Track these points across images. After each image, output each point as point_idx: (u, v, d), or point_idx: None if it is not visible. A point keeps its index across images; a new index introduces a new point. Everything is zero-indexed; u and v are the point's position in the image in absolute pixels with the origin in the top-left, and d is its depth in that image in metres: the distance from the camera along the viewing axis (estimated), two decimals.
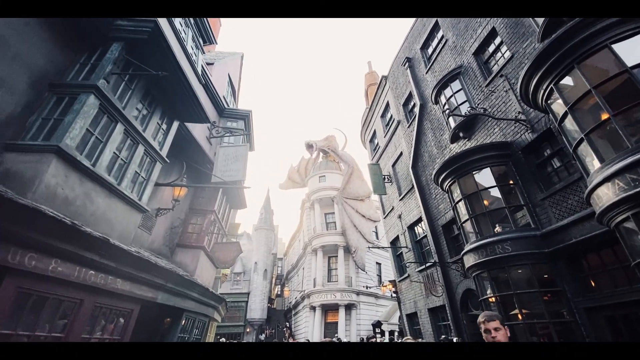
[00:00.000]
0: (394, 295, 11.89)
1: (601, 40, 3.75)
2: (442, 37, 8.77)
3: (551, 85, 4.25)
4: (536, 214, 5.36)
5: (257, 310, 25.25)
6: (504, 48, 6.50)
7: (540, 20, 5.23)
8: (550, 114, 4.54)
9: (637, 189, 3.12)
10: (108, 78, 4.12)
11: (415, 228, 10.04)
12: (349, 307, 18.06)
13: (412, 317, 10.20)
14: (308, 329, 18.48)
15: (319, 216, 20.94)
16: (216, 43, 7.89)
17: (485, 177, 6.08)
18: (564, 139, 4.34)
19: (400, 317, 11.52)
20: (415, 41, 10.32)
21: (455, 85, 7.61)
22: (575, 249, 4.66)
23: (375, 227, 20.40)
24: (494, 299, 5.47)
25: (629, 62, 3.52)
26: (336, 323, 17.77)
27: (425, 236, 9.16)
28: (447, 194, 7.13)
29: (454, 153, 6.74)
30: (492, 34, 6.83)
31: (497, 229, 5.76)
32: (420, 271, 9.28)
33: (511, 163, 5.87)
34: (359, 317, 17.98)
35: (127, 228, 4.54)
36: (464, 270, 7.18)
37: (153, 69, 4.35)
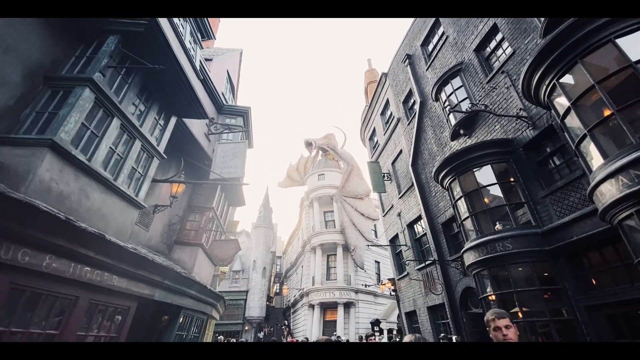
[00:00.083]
0: (392, 293, 11.87)
1: (605, 35, 3.70)
2: (443, 33, 8.70)
3: (554, 80, 4.20)
4: (537, 211, 5.33)
5: (255, 308, 25.23)
6: (505, 44, 6.44)
7: None
8: (553, 110, 4.49)
9: None
10: (104, 71, 4.05)
11: (415, 226, 10.00)
12: (348, 306, 18.06)
13: (411, 316, 10.18)
14: (307, 327, 18.47)
15: (318, 214, 20.90)
16: (214, 38, 7.80)
17: (485, 175, 6.03)
18: (567, 136, 4.30)
19: (399, 316, 11.51)
20: (416, 38, 10.25)
21: (456, 82, 7.55)
22: (576, 247, 4.62)
23: (374, 225, 20.38)
24: (494, 297, 5.44)
25: (633, 57, 3.47)
26: (335, 321, 17.77)
27: (425, 234, 9.12)
28: (447, 192, 7.09)
29: (455, 150, 6.69)
30: (494, 30, 6.77)
31: (498, 226, 5.72)
32: (419, 269, 9.26)
33: (512, 160, 5.83)
34: (358, 315, 17.98)
35: (124, 224, 4.48)
36: (463, 268, 7.16)
37: (150, 63, 4.28)
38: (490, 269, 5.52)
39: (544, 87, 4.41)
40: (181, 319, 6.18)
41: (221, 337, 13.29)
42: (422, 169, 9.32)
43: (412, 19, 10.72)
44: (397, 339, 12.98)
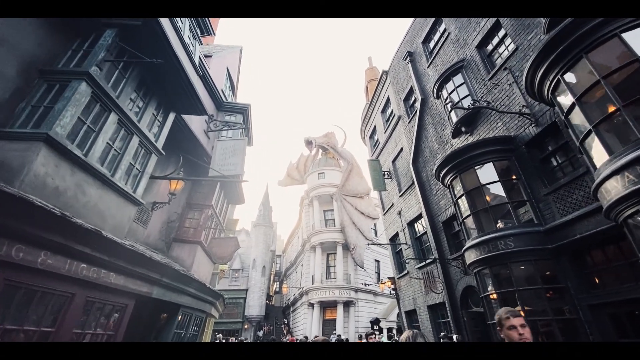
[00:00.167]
0: (392, 292, 11.83)
1: (610, 29, 3.64)
2: (445, 30, 8.62)
3: (558, 76, 4.14)
4: (539, 209, 5.27)
5: (255, 306, 25.21)
6: (508, 40, 6.37)
7: None
8: (557, 107, 4.42)
9: None
10: (101, 65, 3.99)
11: (415, 225, 9.95)
12: (348, 304, 18.03)
13: (411, 314, 10.14)
14: (306, 325, 18.44)
15: (317, 213, 20.85)
16: (214, 34, 7.73)
17: (487, 172, 5.97)
18: (571, 132, 4.23)
19: (399, 314, 11.47)
20: (417, 35, 10.17)
21: (458, 79, 7.48)
22: (579, 245, 4.57)
23: (374, 224, 20.34)
24: (495, 295, 5.39)
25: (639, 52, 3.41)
26: (334, 320, 17.74)
27: (425, 233, 9.07)
28: (448, 190, 7.03)
29: (456, 148, 6.62)
30: (496, 26, 6.70)
31: (499, 224, 5.67)
32: (419, 268, 9.21)
33: (514, 158, 5.77)
34: (357, 314, 17.95)
35: (121, 221, 4.42)
36: (464, 266, 7.11)
37: (148, 58, 4.21)
38: (491, 268, 5.46)
39: (548, 82, 4.34)
40: (180, 317, 6.13)
41: (220, 336, 13.24)
42: (422, 167, 9.26)
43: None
44: (397, 338, 12.95)
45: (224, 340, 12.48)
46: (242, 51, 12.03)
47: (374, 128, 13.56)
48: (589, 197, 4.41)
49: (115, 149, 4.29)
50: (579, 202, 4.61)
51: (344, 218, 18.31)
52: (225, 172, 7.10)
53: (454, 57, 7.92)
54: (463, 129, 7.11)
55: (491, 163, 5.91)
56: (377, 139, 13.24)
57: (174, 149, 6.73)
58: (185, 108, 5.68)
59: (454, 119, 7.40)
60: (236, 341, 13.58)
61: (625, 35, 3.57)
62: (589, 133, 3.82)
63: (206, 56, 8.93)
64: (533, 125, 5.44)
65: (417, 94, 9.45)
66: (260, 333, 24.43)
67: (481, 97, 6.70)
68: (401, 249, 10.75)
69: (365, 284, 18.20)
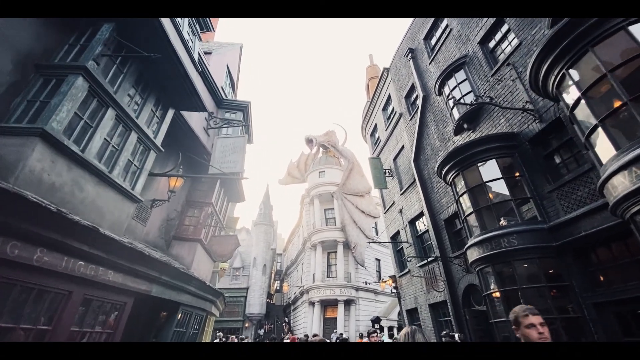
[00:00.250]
0: (393, 290, 11.78)
1: (617, 22, 3.55)
2: (447, 26, 8.53)
3: (563, 70, 4.06)
4: (543, 206, 5.20)
5: (256, 305, 25.21)
6: (511, 35, 6.28)
7: None
8: (562, 102, 4.35)
9: None
10: (98, 60, 3.93)
11: (417, 223, 9.88)
12: (348, 303, 17.99)
13: (413, 313, 10.08)
14: (307, 324, 18.42)
15: (318, 212, 20.80)
16: (214, 30, 7.65)
17: (490, 170, 5.89)
18: (576, 128, 4.16)
19: (400, 313, 11.42)
20: (419, 31, 10.07)
21: (460, 75, 7.40)
22: (584, 243, 4.49)
23: (375, 223, 20.29)
24: (498, 294, 5.32)
25: None
26: (335, 319, 17.71)
27: (427, 231, 9.01)
28: (450, 187, 6.96)
29: (458, 145, 6.55)
30: (499, 21, 6.61)
31: (502, 222, 5.60)
32: (421, 266, 9.14)
33: (517, 154, 5.69)
34: (358, 312, 17.92)
35: (120, 218, 4.37)
36: (466, 265, 7.04)
37: (146, 52, 4.15)
38: (494, 266, 5.40)
39: (553, 77, 4.26)
40: (180, 315, 6.09)
41: (220, 334, 13.21)
42: (424, 165, 9.18)
43: None
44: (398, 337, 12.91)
45: (224, 339, 12.45)
46: (242, 49, 11.95)
47: (375, 126, 13.48)
48: (595, 194, 4.34)
49: (113, 145, 4.24)
50: (584, 199, 4.53)
51: (344, 216, 18.25)
52: (225, 170, 7.04)
53: (456, 53, 7.83)
54: (465, 126, 7.03)
55: (494, 160, 5.83)
56: (378, 137, 13.17)
57: (174, 146, 6.68)
58: (185, 104, 5.61)
59: (456, 115, 7.32)
60: (237, 339, 13.56)
61: (632, 28, 3.49)
62: (595, 128, 3.74)
63: (206, 53, 8.87)
64: (537, 121, 5.36)
65: (419, 91, 9.36)
66: (261, 331, 24.42)
67: (484, 94, 6.62)
68: (402, 247, 10.69)
69: (366, 283, 18.16)
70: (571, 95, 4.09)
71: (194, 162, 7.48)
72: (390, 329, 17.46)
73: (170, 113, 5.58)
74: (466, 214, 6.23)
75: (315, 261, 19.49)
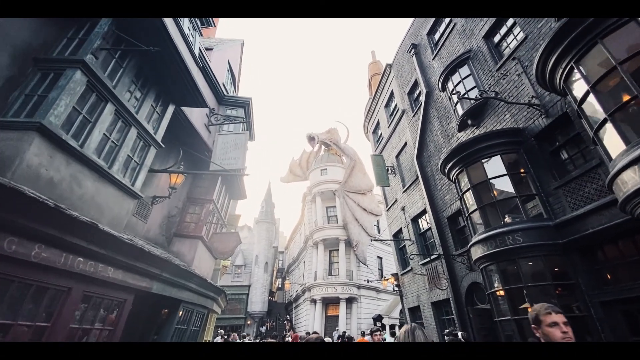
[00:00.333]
0: (395, 289, 11.72)
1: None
2: (450, 21, 8.40)
3: (571, 63, 3.95)
4: (549, 203, 5.10)
5: (257, 302, 25.27)
6: (516, 29, 6.16)
7: None
8: (569, 96, 4.24)
9: None
10: (97, 54, 3.86)
11: (419, 220, 9.81)
12: (350, 301, 17.97)
13: (415, 311, 10.03)
14: (309, 322, 18.43)
15: (320, 209, 20.75)
16: (215, 26, 7.58)
17: (495, 166, 5.80)
18: (584, 122, 4.06)
19: (402, 311, 11.37)
20: (422, 27, 9.94)
21: (464, 70, 7.29)
22: (591, 240, 4.40)
23: (377, 221, 20.18)
24: (502, 292, 5.25)
25: None
26: (337, 316, 17.70)
27: (430, 228, 8.93)
28: (454, 184, 6.87)
29: (462, 141, 6.45)
30: None
31: (507, 219, 5.51)
32: (423, 264, 9.07)
33: (523, 151, 5.59)
34: (360, 310, 17.89)
35: (119, 214, 4.32)
36: (470, 262, 6.97)
37: (145, 46, 4.08)
38: (498, 263, 5.32)
39: (560, 70, 4.16)
40: (181, 313, 6.06)
41: (221, 331, 13.22)
42: (427, 162, 9.09)
43: None
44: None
45: (225, 337, 12.46)
46: (244, 45, 11.87)
47: (377, 123, 13.38)
48: (603, 190, 4.24)
49: (112, 141, 4.18)
50: (592, 196, 4.44)
51: (346, 214, 18.16)
52: (227, 166, 6.99)
53: (460, 48, 7.71)
54: (469, 122, 6.93)
55: (499, 156, 5.74)
56: (381, 134, 13.07)
57: (174, 143, 6.63)
58: (185, 100, 5.55)
59: (460, 111, 7.22)
60: (238, 337, 13.58)
61: None
62: (604, 122, 3.64)
63: (207, 49, 8.79)
64: (543, 116, 5.26)
65: (422, 87, 9.26)
66: (263, 329, 24.49)
67: (489, 89, 6.51)
68: (405, 245, 10.62)
69: (368, 281, 18.12)
70: (579, 89, 3.99)
71: (195, 158, 7.43)
72: (392, 327, 17.42)
73: (171, 109, 5.52)
74: (470, 211, 6.15)
75: (317, 259, 19.46)
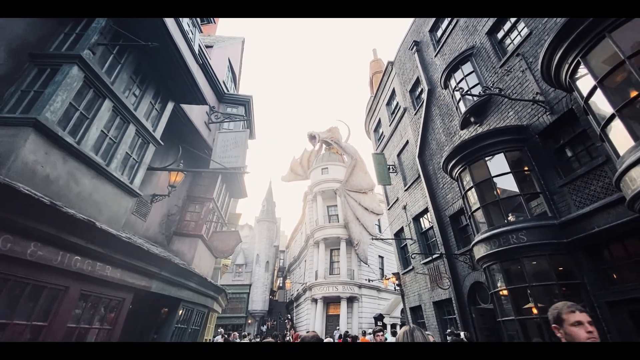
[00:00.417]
0: (397, 288, 11.66)
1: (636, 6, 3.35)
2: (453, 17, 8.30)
3: (578, 58, 3.87)
4: (554, 201, 5.02)
5: (258, 301, 25.26)
6: (520, 25, 6.07)
7: None
8: (575, 92, 4.15)
9: None
10: (94, 49, 3.80)
11: (421, 219, 9.73)
12: (351, 300, 17.92)
13: (416, 311, 9.96)
14: (310, 321, 18.40)
15: (321, 208, 20.69)
16: (215, 23, 7.51)
17: (498, 164, 5.71)
18: (591, 119, 3.97)
19: (403, 311, 11.30)
20: (424, 24, 9.84)
21: (467, 67, 7.19)
22: (597, 239, 4.32)
23: (378, 220, 20.10)
24: (506, 292, 5.17)
25: None
26: (338, 316, 17.66)
27: (432, 227, 8.85)
28: (456, 183, 6.79)
29: (465, 138, 6.36)
30: None
31: (510, 218, 5.43)
32: (425, 263, 9.00)
33: (526, 148, 5.50)
34: (361, 310, 17.84)
35: (117, 212, 4.27)
36: (472, 262, 6.89)
37: (144, 42, 4.02)
38: (502, 263, 5.24)
39: (566, 66, 4.07)
40: (181, 312, 6.02)
41: (221, 330, 13.19)
42: (429, 160, 9.01)
43: None
44: None
45: (226, 335, 12.43)
46: (245, 43, 11.79)
47: (379, 121, 13.29)
48: (609, 188, 4.16)
49: (110, 138, 4.12)
50: (598, 194, 4.35)
51: (347, 213, 18.05)
52: (227, 164, 6.93)
53: (463, 44, 7.61)
54: (472, 119, 6.84)
55: (502, 154, 5.65)
56: (382, 132, 12.98)
57: (174, 141, 6.57)
58: (184, 97, 5.49)
59: (463, 109, 7.13)
60: (239, 336, 13.56)
61: None
62: (611, 118, 3.55)
63: (207, 46, 8.73)
64: (548, 113, 5.17)
65: (424, 85, 9.17)
66: (264, 328, 24.49)
67: (492, 85, 6.42)
68: (406, 244, 10.55)
69: (369, 280, 18.05)
70: (586, 84, 3.90)
71: (195, 156, 7.38)
72: (394, 326, 17.36)
73: (170, 106, 5.47)
74: (473, 209, 6.07)
75: (318, 258, 19.41)
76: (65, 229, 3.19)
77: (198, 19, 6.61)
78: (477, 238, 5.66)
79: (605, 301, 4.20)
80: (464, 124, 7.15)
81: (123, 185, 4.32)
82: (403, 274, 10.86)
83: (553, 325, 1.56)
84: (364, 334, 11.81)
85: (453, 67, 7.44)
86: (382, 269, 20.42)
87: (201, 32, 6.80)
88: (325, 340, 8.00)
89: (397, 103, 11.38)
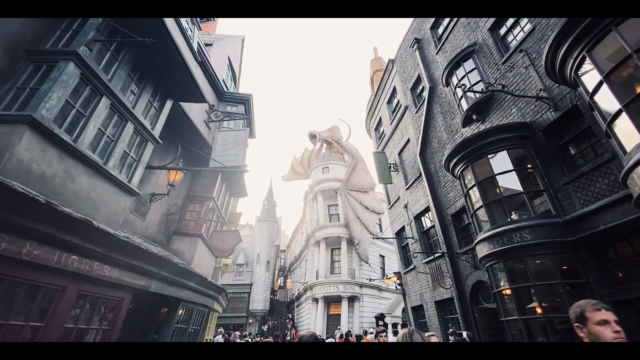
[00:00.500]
0: (398, 287, 11.60)
1: None
2: None
3: (583, 52, 3.79)
4: (558, 199, 4.95)
5: (259, 301, 25.24)
6: (523, 21, 5.98)
7: None
8: (580, 87, 4.08)
9: None
10: (91, 45, 3.75)
11: (423, 218, 9.66)
12: (352, 300, 17.87)
13: (418, 310, 9.90)
14: (311, 320, 18.36)
15: (322, 208, 20.63)
16: (214, 20, 7.44)
17: (501, 161, 5.64)
18: (597, 114, 3.89)
19: (405, 310, 11.24)
20: (425, 21, 9.76)
21: (469, 64, 7.12)
22: (602, 237, 4.25)
23: (379, 219, 20.05)
24: (509, 291, 5.11)
25: None
26: (339, 315, 17.61)
27: (433, 226, 8.78)
28: (458, 181, 6.72)
29: (467, 136, 6.29)
30: None
31: (514, 216, 5.36)
32: (427, 262, 8.94)
33: (530, 145, 5.43)
34: (362, 309, 17.79)
35: (115, 211, 4.22)
36: (474, 261, 6.83)
37: (141, 38, 3.96)
38: (505, 262, 5.17)
39: (571, 60, 4.00)
40: (181, 312, 5.97)
41: (221, 330, 13.16)
42: (430, 159, 8.93)
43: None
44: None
45: (226, 335, 12.40)
46: (244, 41, 11.73)
47: (380, 119, 13.22)
48: (615, 185, 4.08)
49: (108, 136, 4.07)
50: (603, 191, 4.28)
51: (348, 213, 18.04)
52: (227, 163, 6.88)
53: (465, 41, 7.53)
54: (474, 117, 6.77)
55: (505, 151, 5.58)
56: (383, 131, 12.91)
57: (173, 139, 6.52)
58: (183, 95, 5.43)
59: (465, 106, 7.05)
60: (239, 334, 13.53)
61: None
62: (618, 114, 3.48)
63: (206, 45, 8.67)
64: (551, 110, 5.09)
65: (425, 82, 9.09)
66: (265, 327, 24.47)
67: (495, 82, 6.34)
68: (407, 243, 10.48)
69: (370, 279, 17.99)
70: (591, 79, 3.82)
71: (195, 155, 7.33)
72: (395, 325, 17.30)
73: (169, 104, 5.41)
74: (475, 208, 6.00)
75: (318, 257, 19.36)
76: (62, 228, 3.14)
77: (197, 18, 6.54)
78: (480, 237, 5.60)
79: (611, 300, 4.12)
80: (466, 122, 7.07)
81: (121, 184, 4.26)
82: (404, 273, 10.80)
83: (575, 324, 1.47)
84: (365, 333, 11.76)
85: (455, 64, 7.36)
86: (383, 268, 20.36)
87: (200, 29, 6.73)
88: (327, 341, 7.95)
89: (398, 101, 11.30)
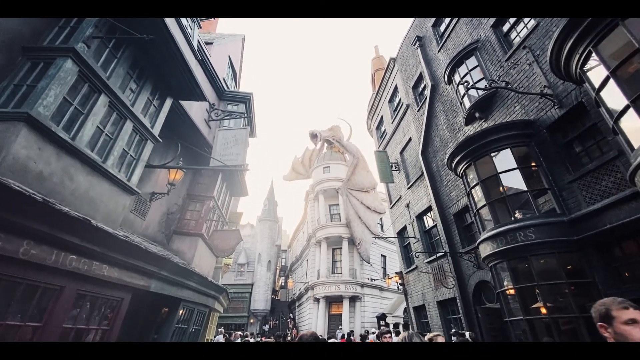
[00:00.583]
0: (400, 287, 11.53)
1: None
2: None
3: (589, 47, 3.72)
4: (562, 198, 4.87)
5: (260, 301, 25.22)
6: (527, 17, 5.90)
7: None
8: (586, 83, 4.01)
9: None
10: (89, 42, 3.70)
11: (425, 217, 9.59)
12: (353, 299, 17.80)
13: (420, 310, 9.83)
14: (312, 320, 18.31)
15: (323, 207, 20.57)
16: (214, 19, 7.40)
17: (504, 160, 5.57)
18: (603, 111, 3.82)
19: (406, 310, 11.17)
20: (427, 18, 9.68)
21: (471, 62, 7.04)
22: (608, 236, 4.18)
23: (381, 219, 19.97)
24: (513, 291, 5.04)
25: None
26: (340, 315, 17.55)
27: (435, 226, 8.71)
28: (460, 180, 6.65)
29: (470, 134, 6.22)
30: None
31: (517, 215, 5.29)
32: (429, 262, 8.87)
33: (534, 143, 5.36)
34: (364, 309, 17.72)
35: (115, 210, 4.17)
36: (477, 260, 6.76)
37: (140, 35, 3.91)
38: (509, 261, 5.10)
39: (577, 56, 3.92)
40: (181, 312, 5.93)
41: (222, 330, 13.12)
42: (432, 157, 8.86)
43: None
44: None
45: (227, 335, 12.36)
46: (245, 40, 11.69)
47: (381, 118, 13.15)
48: (621, 183, 4.01)
49: (106, 134, 4.03)
50: (609, 189, 4.20)
51: (349, 212, 17.98)
52: (227, 162, 6.83)
53: (467, 38, 7.46)
54: (477, 115, 6.69)
55: (508, 149, 5.51)
56: (384, 130, 12.84)
57: (173, 138, 6.47)
58: (183, 93, 5.38)
59: (467, 104, 6.98)
60: (240, 334, 13.50)
61: None
62: (625, 110, 3.41)
63: (207, 43, 8.62)
64: (556, 107, 5.02)
65: (427, 81, 9.02)
66: (266, 327, 24.44)
67: (498, 79, 6.26)
68: (409, 242, 10.41)
69: (372, 279, 17.93)
70: (598, 75, 3.75)
71: (195, 154, 7.28)
72: (396, 326, 17.23)
73: (169, 102, 5.36)
74: (478, 207, 5.93)
75: (320, 257, 19.31)
76: (60, 227, 3.10)
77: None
78: (483, 236, 5.53)
79: None
80: (469, 120, 7.00)
81: (120, 183, 4.22)
82: (406, 273, 10.73)
83: (599, 323, 1.39)
84: (366, 333, 11.70)
85: (457, 62, 7.29)
86: (384, 268, 20.28)
87: (200, 27, 6.68)
88: (329, 342, 7.89)
89: (400, 100, 11.23)
